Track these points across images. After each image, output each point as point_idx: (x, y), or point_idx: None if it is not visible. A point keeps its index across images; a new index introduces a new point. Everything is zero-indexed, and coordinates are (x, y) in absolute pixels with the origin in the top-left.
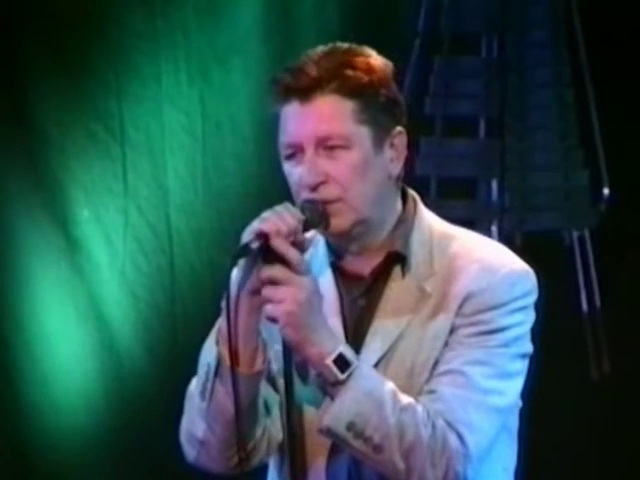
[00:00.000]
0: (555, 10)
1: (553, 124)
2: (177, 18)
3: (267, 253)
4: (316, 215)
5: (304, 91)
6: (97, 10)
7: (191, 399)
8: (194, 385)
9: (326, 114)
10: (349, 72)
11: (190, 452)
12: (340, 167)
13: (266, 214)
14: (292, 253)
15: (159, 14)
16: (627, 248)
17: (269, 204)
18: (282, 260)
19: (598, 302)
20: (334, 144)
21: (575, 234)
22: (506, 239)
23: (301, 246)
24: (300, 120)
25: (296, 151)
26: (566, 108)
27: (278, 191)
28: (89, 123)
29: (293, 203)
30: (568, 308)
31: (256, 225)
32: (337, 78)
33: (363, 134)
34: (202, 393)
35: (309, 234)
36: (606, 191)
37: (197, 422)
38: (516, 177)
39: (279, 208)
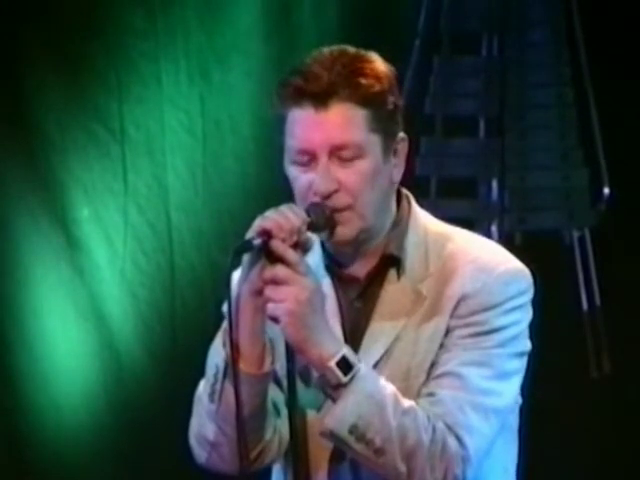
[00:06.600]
0: (555, 10)
1: (553, 124)
2: (177, 18)
3: (269, 251)
4: (322, 219)
5: (318, 97)
6: (97, 10)
7: (200, 402)
8: (202, 388)
9: (341, 123)
10: (361, 80)
11: (201, 454)
12: (353, 175)
13: (269, 213)
14: (290, 254)
15: (159, 14)
16: (627, 248)
17: (269, 203)
18: (283, 260)
19: (598, 301)
20: (349, 153)
21: (575, 234)
22: (506, 239)
23: (304, 246)
24: (314, 127)
25: (308, 158)
26: (566, 108)
27: (278, 190)
28: (89, 123)
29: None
30: (568, 307)
31: (259, 222)
32: (350, 86)
33: (375, 142)
34: (211, 395)
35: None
36: (606, 191)
37: (207, 424)
38: (516, 177)
39: (283, 207)
